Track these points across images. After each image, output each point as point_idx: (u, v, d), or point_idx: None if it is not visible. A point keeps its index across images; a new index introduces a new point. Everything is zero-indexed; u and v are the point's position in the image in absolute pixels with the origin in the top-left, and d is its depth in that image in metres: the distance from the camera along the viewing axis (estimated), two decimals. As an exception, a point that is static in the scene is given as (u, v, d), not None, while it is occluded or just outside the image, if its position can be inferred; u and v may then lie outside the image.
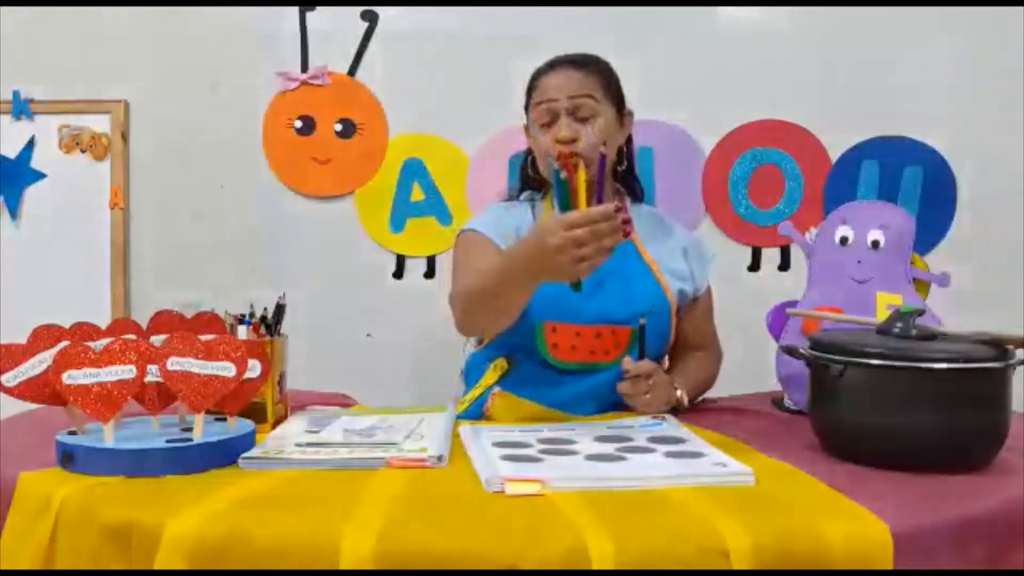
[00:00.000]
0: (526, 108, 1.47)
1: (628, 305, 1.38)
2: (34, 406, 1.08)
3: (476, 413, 1.39)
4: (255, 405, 1.15)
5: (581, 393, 1.37)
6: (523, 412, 1.28)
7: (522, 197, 1.53)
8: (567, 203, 1.12)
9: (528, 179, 1.53)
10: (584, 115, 1.37)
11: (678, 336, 1.48)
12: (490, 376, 1.43)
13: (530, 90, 1.45)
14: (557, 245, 1.05)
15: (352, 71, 2.15)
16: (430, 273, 2.16)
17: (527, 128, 1.48)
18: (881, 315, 1.28)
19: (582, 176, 1.10)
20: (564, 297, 1.23)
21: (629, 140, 1.51)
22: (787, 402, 1.38)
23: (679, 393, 1.36)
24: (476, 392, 1.44)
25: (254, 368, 1.05)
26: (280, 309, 1.27)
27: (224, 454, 1.00)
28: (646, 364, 1.32)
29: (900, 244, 1.35)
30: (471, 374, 1.50)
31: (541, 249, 1.08)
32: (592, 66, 1.42)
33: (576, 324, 1.37)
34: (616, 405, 1.34)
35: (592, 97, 1.38)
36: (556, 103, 1.37)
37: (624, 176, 1.53)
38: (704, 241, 1.61)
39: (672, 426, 1.20)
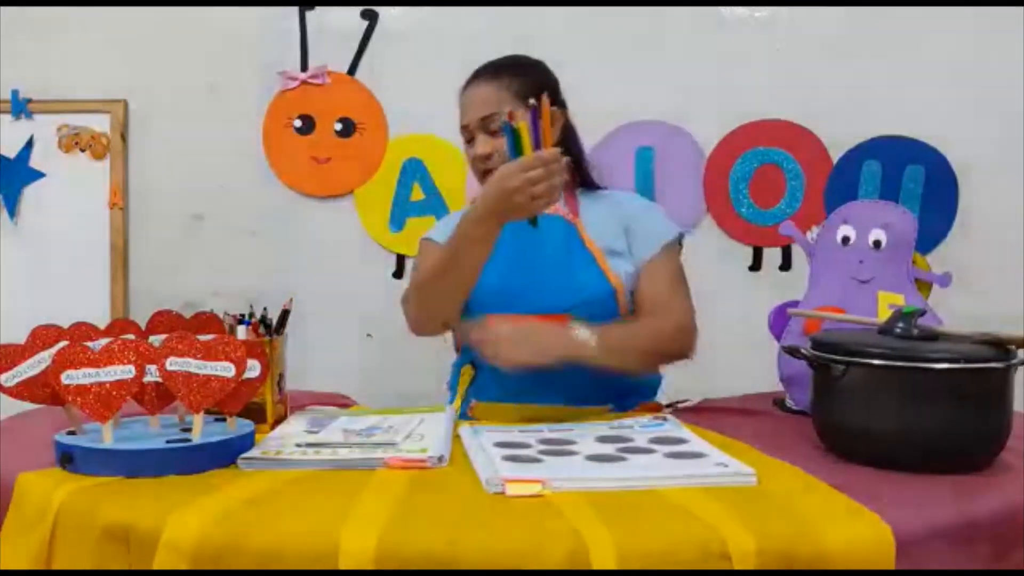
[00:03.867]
0: None
1: (567, 293, 1.37)
2: (33, 406, 1.07)
3: (461, 414, 1.41)
4: (254, 405, 1.15)
5: (542, 382, 1.33)
6: (501, 417, 1.29)
7: (474, 201, 1.53)
8: (519, 152, 1.24)
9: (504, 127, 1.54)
10: (495, 129, 1.39)
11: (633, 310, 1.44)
12: (463, 383, 1.45)
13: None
14: (515, 187, 1.19)
15: (352, 70, 2.15)
16: (430, 273, 2.16)
17: None
18: (883, 315, 1.27)
19: (524, 127, 1.24)
20: (504, 291, 1.32)
21: (572, 132, 1.50)
22: (789, 402, 1.38)
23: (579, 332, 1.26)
24: (458, 401, 1.46)
25: (253, 368, 1.05)
26: (285, 314, 1.27)
27: (223, 454, 0.99)
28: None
29: (902, 244, 1.34)
30: (453, 382, 1.52)
31: (501, 193, 1.21)
32: (505, 74, 1.42)
33: (520, 315, 1.36)
34: (591, 393, 1.34)
35: (500, 111, 1.37)
36: (468, 125, 1.42)
37: (573, 167, 1.48)
38: (651, 209, 1.52)
39: (673, 427, 1.19)
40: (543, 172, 1.19)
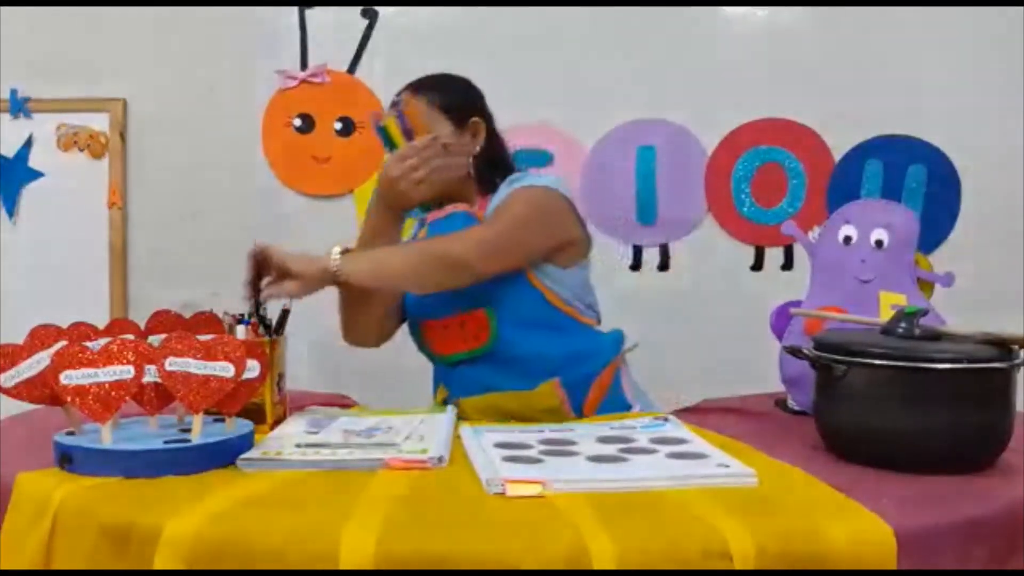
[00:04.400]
0: None
1: (474, 289, 1.33)
2: (32, 406, 1.07)
3: None
4: (254, 406, 1.14)
5: (486, 374, 1.37)
6: (471, 412, 1.33)
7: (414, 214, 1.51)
8: (395, 146, 1.37)
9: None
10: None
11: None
12: (438, 399, 1.47)
13: None
14: (395, 176, 1.31)
15: (352, 69, 2.15)
16: (430, 272, 2.15)
17: None
18: (885, 315, 1.27)
19: (392, 122, 1.37)
20: (427, 295, 1.36)
21: (497, 138, 1.47)
22: (790, 403, 1.37)
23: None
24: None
25: (253, 369, 1.05)
26: (285, 314, 1.27)
27: (223, 455, 0.99)
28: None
29: (904, 243, 1.34)
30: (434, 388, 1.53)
31: (385, 183, 1.32)
32: (420, 90, 1.42)
33: (439, 319, 1.40)
34: (532, 374, 1.34)
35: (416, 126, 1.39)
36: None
37: (492, 174, 1.45)
38: (524, 176, 1.43)
39: (674, 427, 1.19)
40: (418, 160, 1.31)
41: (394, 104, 1.39)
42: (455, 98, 1.45)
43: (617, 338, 1.44)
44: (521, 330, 1.36)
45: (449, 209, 1.43)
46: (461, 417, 1.34)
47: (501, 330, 1.36)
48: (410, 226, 1.49)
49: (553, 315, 1.38)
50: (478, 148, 1.44)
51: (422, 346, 1.47)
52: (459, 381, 1.41)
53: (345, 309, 1.46)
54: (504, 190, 1.41)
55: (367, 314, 1.44)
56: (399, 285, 1.39)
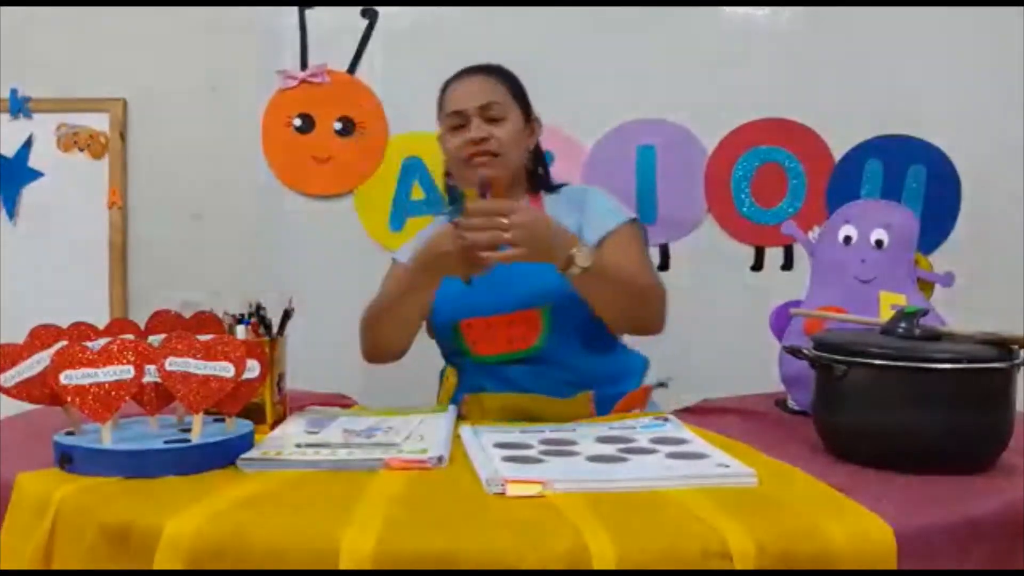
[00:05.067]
0: (439, 118, 1.52)
1: (533, 290, 1.37)
2: (32, 406, 1.07)
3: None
4: (254, 406, 1.15)
5: (525, 372, 1.38)
6: (487, 407, 1.34)
7: (448, 210, 1.57)
8: (460, 214, 1.24)
9: (449, 189, 1.57)
10: (494, 116, 1.43)
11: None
12: (448, 387, 1.47)
13: (440, 100, 1.51)
14: (447, 251, 1.23)
15: (352, 69, 2.14)
16: (430, 272, 2.15)
17: (441, 138, 1.51)
18: (885, 315, 1.27)
19: (472, 194, 1.29)
20: (473, 292, 1.32)
21: (537, 145, 1.54)
22: (790, 403, 1.37)
23: (577, 252, 1.22)
24: (442, 398, 1.49)
25: (253, 368, 1.05)
26: (287, 314, 1.27)
27: (223, 455, 0.99)
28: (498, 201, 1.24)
29: (904, 243, 1.34)
30: (441, 374, 1.54)
31: (435, 255, 1.26)
32: (499, 75, 1.48)
33: (486, 316, 1.39)
34: (571, 383, 1.35)
35: (499, 101, 1.44)
36: (464, 110, 1.44)
37: (536, 176, 1.53)
38: (604, 197, 1.50)
39: (674, 427, 1.19)
40: (474, 241, 1.19)
41: (481, 178, 1.29)
42: (524, 90, 1.50)
43: (645, 362, 1.49)
44: (569, 337, 1.37)
45: None
46: (463, 416, 1.35)
47: (551, 334, 1.36)
48: (425, 224, 1.51)
49: (599, 329, 1.40)
50: (533, 145, 1.49)
51: (456, 345, 1.44)
52: (490, 378, 1.40)
53: (394, 325, 1.41)
54: (598, 207, 1.44)
55: (414, 325, 1.42)
56: (619, 292, 1.32)
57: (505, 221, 1.17)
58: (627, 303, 1.34)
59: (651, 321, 1.38)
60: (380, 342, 1.44)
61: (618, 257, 1.37)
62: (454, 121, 1.45)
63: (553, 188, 1.54)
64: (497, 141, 1.42)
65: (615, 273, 1.30)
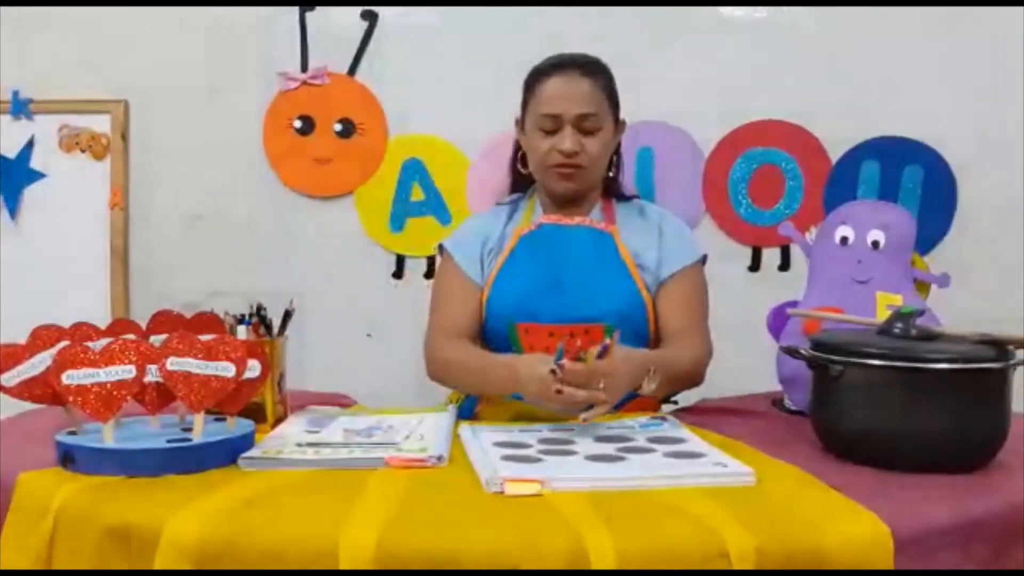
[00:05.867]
0: (524, 104, 1.45)
1: (600, 303, 1.37)
2: (33, 406, 1.08)
3: (467, 413, 1.42)
4: (255, 405, 1.15)
5: None
6: (503, 413, 1.32)
7: (507, 199, 1.54)
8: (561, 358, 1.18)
9: (517, 176, 1.53)
10: (589, 128, 1.38)
11: (657, 326, 1.44)
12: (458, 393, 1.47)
13: (532, 88, 1.42)
14: (543, 398, 1.18)
15: (352, 71, 2.15)
16: (430, 273, 2.16)
17: (519, 122, 1.47)
18: (881, 315, 1.27)
19: (591, 354, 1.17)
20: (535, 297, 1.32)
21: (618, 146, 1.51)
22: (787, 403, 1.38)
23: (646, 384, 1.23)
24: (453, 400, 1.47)
25: (253, 368, 1.05)
26: (288, 314, 1.27)
27: (224, 454, 0.99)
28: (581, 369, 1.17)
29: (900, 244, 1.35)
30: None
31: (530, 395, 1.21)
32: (600, 75, 1.41)
33: (549, 324, 1.38)
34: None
35: (597, 113, 1.38)
36: (561, 115, 1.37)
37: (611, 180, 1.51)
38: (683, 227, 1.52)
39: (672, 426, 1.20)
40: (568, 398, 1.15)
41: (603, 347, 1.17)
42: (616, 91, 1.45)
43: None
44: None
45: (577, 220, 1.43)
46: (476, 416, 1.34)
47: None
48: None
49: (646, 346, 1.42)
50: (615, 145, 1.47)
51: (509, 346, 1.41)
52: None
53: (470, 390, 1.43)
54: (678, 239, 1.46)
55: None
56: (676, 385, 1.42)
57: (602, 385, 1.15)
58: (681, 387, 1.45)
59: (695, 385, 1.45)
60: (452, 387, 1.48)
61: (680, 319, 1.42)
62: (546, 124, 1.38)
63: (623, 197, 1.52)
64: (588, 156, 1.38)
65: (675, 373, 1.35)
